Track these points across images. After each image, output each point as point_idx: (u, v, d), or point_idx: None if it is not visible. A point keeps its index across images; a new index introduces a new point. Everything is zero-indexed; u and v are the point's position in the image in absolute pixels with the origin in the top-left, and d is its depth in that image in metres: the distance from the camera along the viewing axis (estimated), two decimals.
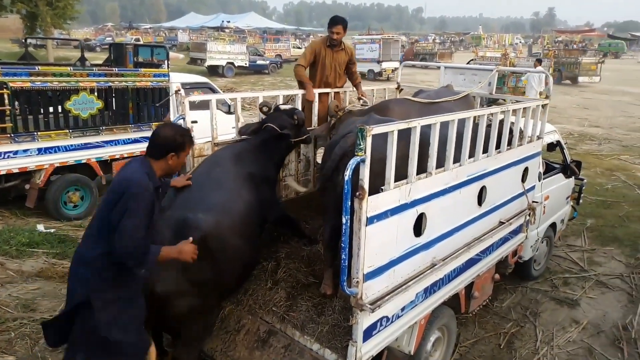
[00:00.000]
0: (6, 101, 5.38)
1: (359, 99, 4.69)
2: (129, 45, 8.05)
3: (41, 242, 5.28)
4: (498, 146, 3.52)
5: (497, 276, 4.15)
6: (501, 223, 3.72)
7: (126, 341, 2.42)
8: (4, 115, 5.41)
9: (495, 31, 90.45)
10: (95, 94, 6.08)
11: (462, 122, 3.02)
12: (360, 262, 2.40)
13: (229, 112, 7.08)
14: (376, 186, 2.50)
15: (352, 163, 2.25)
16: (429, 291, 3.02)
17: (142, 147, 6.51)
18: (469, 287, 3.66)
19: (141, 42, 29.03)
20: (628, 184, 8.57)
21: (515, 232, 4.10)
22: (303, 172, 4.38)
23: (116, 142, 6.39)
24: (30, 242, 5.25)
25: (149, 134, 6.62)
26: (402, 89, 5.39)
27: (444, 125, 2.86)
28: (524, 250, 4.58)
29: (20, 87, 5.45)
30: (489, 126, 3.37)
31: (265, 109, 3.74)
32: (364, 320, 2.50)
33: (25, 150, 5.62)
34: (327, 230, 3.14)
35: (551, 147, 5.13)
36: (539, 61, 15.57)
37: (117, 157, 6.43)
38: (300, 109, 4.06)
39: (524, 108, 3.79)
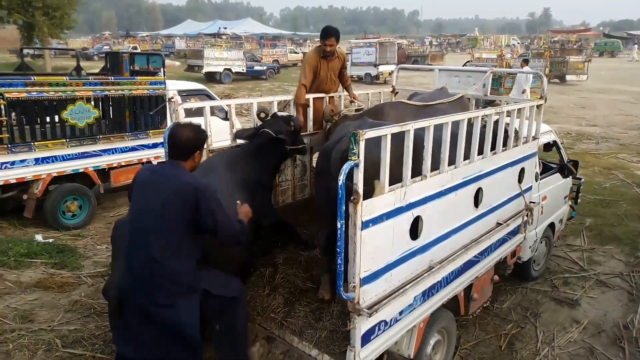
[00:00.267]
0: (2, 112, 5.38)
1: (351, 102, 4.70)
2: (125, 53, 8.07)
3: (39, 253, 5.27)
4: (493, 147, 3.52)
5: (496, 277, 4.14)
6: (499, 224, 3.71)
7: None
8: (1, 125, 5.41)
9: (492, 32, 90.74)
10: (92, 102, 6.09)
11: (456, 124, 3.02)
12: (356, 266, 2.40)
13: (226, 119, 7.08)
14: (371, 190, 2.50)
15: (345, 167, 2.25)
16: (427, 294, 3.01)
17: (140, 155, 6.65)
18: (468, 289, 3.65)
19: (139, 50, 29.20)
20: (626, 182, 8.57)
21: (513, 233, 4.10)
22: (299, 177, 4.38)
23: (113, 151, 6.39)
24: (29, 252, 5.24)
25: (146, 141, 6.72)
26: (397, 92, 5.40)
27: (438, 128, 2.86)
28: (522, 251, 4.57)
29: (16, 98, 5.45)
30: (483, 127, 3.37)
31: (262, 115, 3.75)
32: (361, 325, 2.50)
33: (22, 161, 5.61)
34: (324, 235, 3.14)
35: (547, 147, 5.13)
36: (525, 61, 15.76)
37: (115, 165, 6.44)
38: (294, 114, 4.06)
39: (519, 109, 3.79)
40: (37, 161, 5.72)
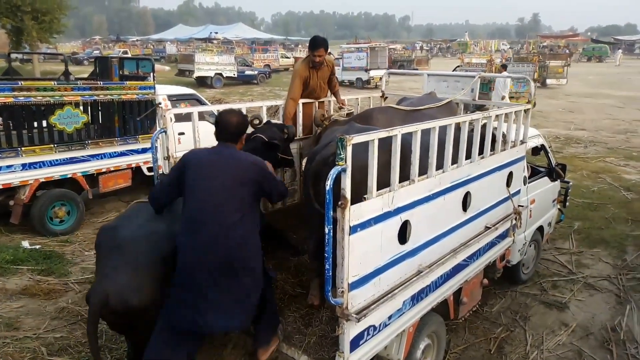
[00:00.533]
0: None
1: (340, 108, 4.70)
2: (114, 58, 8.03)
3: (26, 259, 5.21)
4: (481, 152, 3.54)
5: (485, 281, 4.16)
6: (487, 228, 3.73)
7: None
8: None
9: (482, 37, 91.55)
10: (81, 107, 6.04)
11: (443, 129, 3.04)
12: (344, 271, 2.39)
13: None
14: (359, 195, 2.50)
15: (332, 173, 2.25)
16: (416, 298, 3.02)
17: (129, 160, 6.60)
18: (458, 293, 3.66)
19: (129, 55, 29.04)
20: (614, 186, 8.67)
21: (502, 237, 4.12)
22: (289, 182, 4.37)
23: (102, 156, 6.35)
24: (15, 259, 5.18)
25: (135, 147, 6.68)
26: (387, 97, 5.42)
27: (426, 133, 2.88)
28: (511, 254, 4.59)
29: (3, 103, 5.40)
30: (471, 131, 3.39)
31: (256, 122, 3.73)
32: (350, 330, 2.49)
33: (8, 166, 5.55)
34: (313, 240, 3.13)
35: (535, 151, 5.18)
36: (503, 67, 16.33)
37: (104, 170, 6.39)
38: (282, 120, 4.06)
39: (507, 113, 3.83)
40: (25, 167, 5.66)
